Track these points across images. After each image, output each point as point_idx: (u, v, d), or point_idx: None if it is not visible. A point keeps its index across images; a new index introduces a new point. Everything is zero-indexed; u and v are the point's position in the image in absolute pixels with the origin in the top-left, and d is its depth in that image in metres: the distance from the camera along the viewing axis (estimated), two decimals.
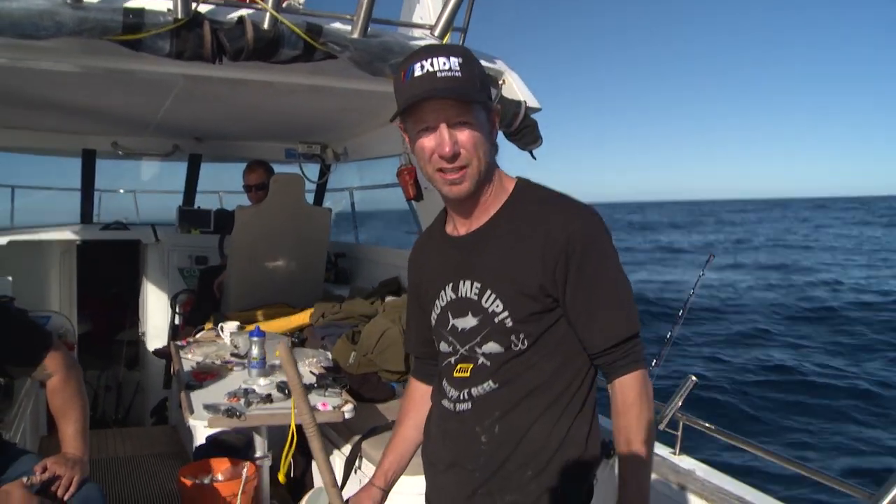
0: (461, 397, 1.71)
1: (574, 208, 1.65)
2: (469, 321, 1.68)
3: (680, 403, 2.98)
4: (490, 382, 1.67)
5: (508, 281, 1.63)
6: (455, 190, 1.62)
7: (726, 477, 2.80)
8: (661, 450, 2.99)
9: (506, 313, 1.63)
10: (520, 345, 1.63)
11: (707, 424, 3.04)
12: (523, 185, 1.73)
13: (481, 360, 1.68)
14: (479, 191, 1.65)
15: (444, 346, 1.77)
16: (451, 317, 1.72)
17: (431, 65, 1.54)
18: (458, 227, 1.75)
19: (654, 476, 2.83)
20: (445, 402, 1.76)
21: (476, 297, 1.67)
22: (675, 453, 2.98)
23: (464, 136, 1.57)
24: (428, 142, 1.59)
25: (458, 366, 1.72)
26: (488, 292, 1.65)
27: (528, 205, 1.68)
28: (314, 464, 3.66)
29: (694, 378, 2.99)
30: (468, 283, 1.69)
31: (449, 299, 1.73)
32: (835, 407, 11.04)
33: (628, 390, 1.62)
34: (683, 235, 54.43)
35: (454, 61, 1.55)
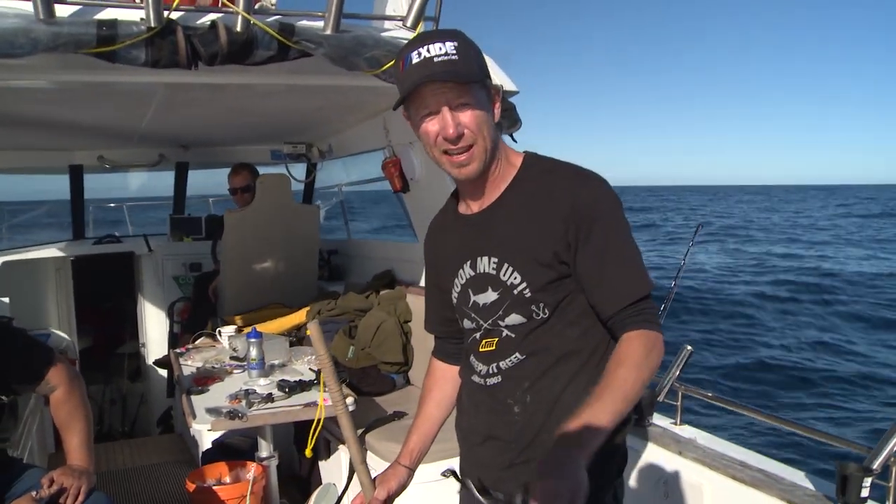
0: (490, 371, 1.75)
1: (582, 175, 1.69)
2: (490, 296, 1.72)
3: (678, 373, 2.98)
4: (517, 354, 1.70)
5: (523, 252, 1.66)
6: (464, 172, 1.66)
7: (728, 443, 2.81)
8: (661, 421, 2.99)
9: (524, 284, 1.66)
10: (541, 314, 1.66)
11: (707, 393, 3.06)
12: (531, 159, 1.77)
13: (505, 332, 1.71)
14: (486, 169, 1.69)
15: (467, 323, 1.81)
16: (471, 293, 1.76)
17: (428, 51, 1.57)
18: (471, 206, 1.79)
19: (654, 446, 2.86)
20: (476, 378, 1.79)
21: (494, 272, 1.70)
22: (675, 423, 2.98)
23: (466, 116, 1.60)
24: (432, 126, 1.62)
25: (484, 340, 1.76)
26: (505, 265, 1.68)
27: (537, 176, 1.72)
28: (320, 463, 3.70)
29: (689, 347, 2.99)
30: (485, 258, 1.72)
31: (468, 276, 1.77)
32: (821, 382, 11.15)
33: (636, 340, 1.56)
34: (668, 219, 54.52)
35: (449, 45, 1.58)
